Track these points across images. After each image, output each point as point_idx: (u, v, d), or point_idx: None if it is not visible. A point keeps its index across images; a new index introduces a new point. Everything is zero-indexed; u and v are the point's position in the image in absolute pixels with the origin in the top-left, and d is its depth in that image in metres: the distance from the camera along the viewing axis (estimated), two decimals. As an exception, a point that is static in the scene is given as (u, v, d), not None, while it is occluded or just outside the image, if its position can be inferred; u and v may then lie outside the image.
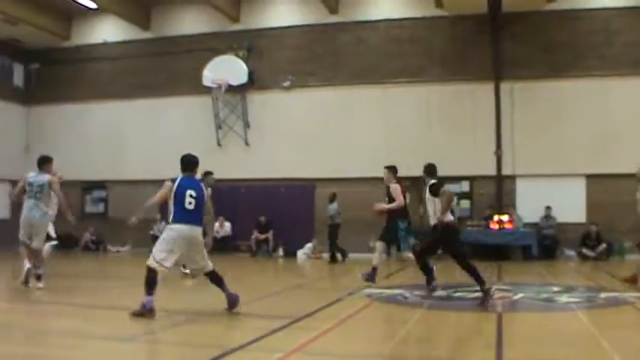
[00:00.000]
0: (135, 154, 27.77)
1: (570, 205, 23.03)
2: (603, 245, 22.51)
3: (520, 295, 12.51)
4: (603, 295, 12.60)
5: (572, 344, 8.02)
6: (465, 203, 24.39)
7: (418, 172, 24.08)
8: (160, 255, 9.70)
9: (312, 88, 25.77)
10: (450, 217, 11.60)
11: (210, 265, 10.19)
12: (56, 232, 15.25)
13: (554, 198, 23.25)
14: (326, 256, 23.61)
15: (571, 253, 23.07)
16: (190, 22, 27.82)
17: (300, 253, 24.44)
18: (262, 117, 26.24)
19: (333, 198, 23.11)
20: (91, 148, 28.68)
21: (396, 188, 14.15)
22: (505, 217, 22.92)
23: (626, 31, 23.45)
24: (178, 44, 27.73)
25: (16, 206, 29.50)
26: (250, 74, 25.96)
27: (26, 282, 13.15)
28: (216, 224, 25.59)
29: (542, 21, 23.71)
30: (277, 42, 26.53)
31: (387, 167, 14.87)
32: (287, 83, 25.98)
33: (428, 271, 12.34)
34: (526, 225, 23.26)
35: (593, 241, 22.69)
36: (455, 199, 23.78)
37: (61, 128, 29.50)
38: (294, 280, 17.57)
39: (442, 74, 24.41)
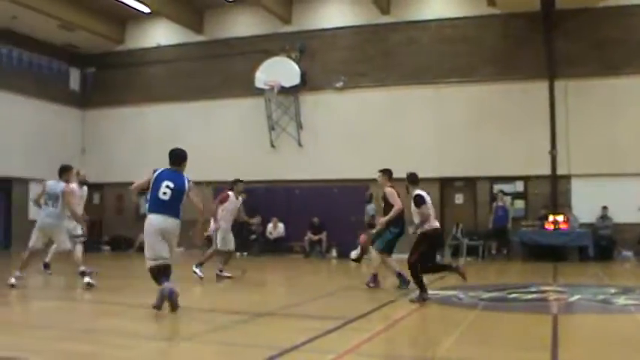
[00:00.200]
0: (189, 156, 27.85)
1: (627, 205, 22.58)
2: (661, 246, 22.16)
3: (576, 296, 12.34)
4: (662, 296, 12.38)
5: (630, 347, 7.89)
6: (520, 203, 24.12)
7: (472, 172, 24.20)
8: (148, 253, 9.90)
9: (364, 89, 25.72)
10: (436, 223, 12.16)
11: (169, 259, 10.06)
12: (83, 230, 15.40)
13: (610, 198, 22.85)
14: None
15: (628, 254, 22.64)
16: (243, 25, 27.97)
17: (353, 254, 24.34)
18: (315, 118, 26.28)
19: (370, 198, 23.09)
20: (147, 150, 28.94)
21: (392, 193, 13.80)
22: (560, 218, 22.61)
23: (682, 26, 23.05)
24: (231, 47, 27.89)
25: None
26: (303, 75, 26.02)
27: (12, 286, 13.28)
28: (270, 225, 25.77)
29: (595, 18, 23.32)
30: (329, 43, 26.54)
31: (382, 171, 14.48)
32: (339, 84, 25.98)
33: (421, 283, 11.96)
34: (582, 225, 22.91)
35: (651, 242, 22.34)
36: (509, 199, 23.67)
37: (115, 131, 29.90)
38: (347, 281, 17.55)
39: (494, 73, 24.17)
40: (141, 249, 25.04)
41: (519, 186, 24.21)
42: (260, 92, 26.38)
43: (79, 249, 14.88)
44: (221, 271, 15.51)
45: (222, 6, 27.93)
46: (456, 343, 7.94)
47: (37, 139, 28.05)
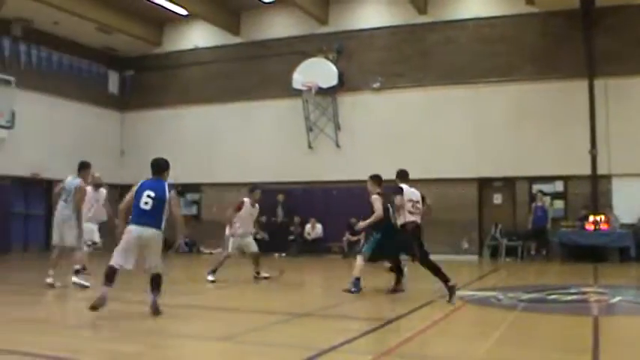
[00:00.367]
0: (227, 158, 28.13)
1: (670, 205, 22.37)
2: None
3: (617, 298, 12.20)
4: None
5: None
6: (559, 203, 23.87)
7: (511, 172, 24.03)
8: (116, 257, 9.89)
9: (401, 89, 25.64)
10: (410, 217, 12.50)
11: (158, 269, 10.11)
12: (101, 238, 15.59)
13: (652, 198, 22.62)
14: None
15: (670, 254, 22.36)
16: (279, 26, 28.03)
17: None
18: (352, 119, 26.25)
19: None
20: (184, 152, 29.13)
21: (375, 199, 13.66)
22: (601, 218, 22.36)
23: None
24: (268, 48, 27.97)
25: (113, 209, 30.42)
26: (340, 76, 26.00)
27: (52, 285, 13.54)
28: (308, 226, 25.80)
29: (635, 15, 22.95)
30: (366, 43, 26.50)
31: (371, 177, 14.38)
32: (376, 84, 25.93)
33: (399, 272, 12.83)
34: (623, 226, 22.61)
35: (694, 242, 22.01)
36: (548, 199, 23.46)
37: (154, 133, 30.11)
38: (387, 281, 17.51)
39: (533, 72, 23.96)
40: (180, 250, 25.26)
41: (559, 186, 23.98)
42: (297, 93, 26.43)
43: (84, 250, 14.87)
44: (258, 273, 15.50)
45: (259, 7, 28.01)
46: (495, 345, 7.89)
47: (77, 141, 28.32)
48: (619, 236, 22.15)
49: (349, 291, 12.89)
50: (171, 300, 12.52)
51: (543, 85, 23.71)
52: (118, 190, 31.05)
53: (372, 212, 13.54)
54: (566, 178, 23.81)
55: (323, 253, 25.17)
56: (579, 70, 23.11)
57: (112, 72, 31.09)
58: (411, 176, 24.88)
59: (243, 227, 15.33)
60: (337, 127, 26.38)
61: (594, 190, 23.24)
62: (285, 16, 27.79)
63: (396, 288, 13.13)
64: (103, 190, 16.14)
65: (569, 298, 11.59)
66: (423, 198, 13.06)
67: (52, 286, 13.37)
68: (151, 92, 30.56)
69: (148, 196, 9.79)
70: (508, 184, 24.76)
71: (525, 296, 12.24)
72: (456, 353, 7.65)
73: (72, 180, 13.97)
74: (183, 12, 27.49)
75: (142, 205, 9.74)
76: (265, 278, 15.47)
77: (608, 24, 23.13)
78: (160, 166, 10.40)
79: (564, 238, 22.48)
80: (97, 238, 15.85)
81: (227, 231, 15.59)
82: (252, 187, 16.07)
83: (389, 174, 25.04)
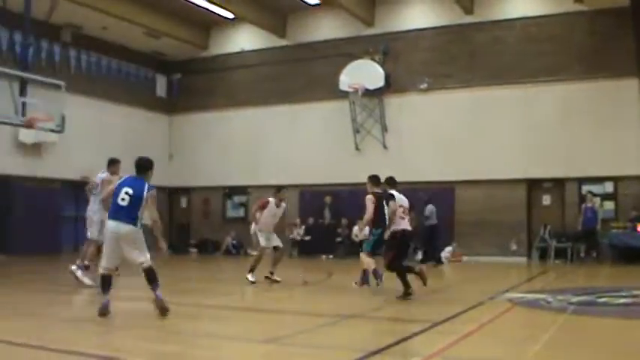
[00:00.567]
0: (274, 160, 28.23)
1: None
2: None
3: (669, 300, 12.00)
4: None
5: None
6: (609, 204, 23.54)
7: (560, 172, 23.74)
8: (102, 262, 9.95)
9: (448, 90, 25.51)
10: (400, 225, 12.48)
11: (147, 263, 10.08)
12: None
13: None
14: (466, 259, 23.44)
15: None
16: (326, 28, 28.06)
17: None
18: (400, 120, 26.18)
19: (429, 200, 22.95)
20: (231, 154, 29.37)
21: (367, 200, 13.63)
22: (653, 219, 22.02)
23: None
24: (314, 50, 28.02)
25: (161, 211, 30.57)
26: (387, 77, 25.93)
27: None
28: (355, 228, 25.70)
29: (688, 12, 22.66)
30: (413, 44, 26.41)
31: (369, 177, 14.28)
32: (424, 86, 25.83)
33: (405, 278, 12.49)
34: (675, 227, 22.28)
35: None
36: (598, 200, 23.13)
37: (201, 136, 30.36)
38: (435, 283, 17.42)
39: (581, 72, 23.67)
40: (227, 252, 25.43)
41: (609, 187, 23.66)
42: (344, 95, 26.42)
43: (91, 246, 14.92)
44: (272, 273, 15.45)
45: (305, 10, 28.06)
46: (543, 348, 7.79)
47: (126, 144, 28.56)
48: (671, 238, 21.76)
49: (361, 284, 13.50)
50: (216, 301, 12.61)
51: (592, 84, 23.42)
52: (166, 193, 31.50)
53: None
54: (616, 179, 23.49)
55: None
56: (629, 69, 22.76)
57: (159, 76, 31.42)
58: (460, 177, 24.91)
59: (266, 225, 15.28)
60: (384, 129, 26.33)
61: (645, 190, 22.90)
62: (331, 18, 27.82)
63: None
64: None
65: (620, 301, 11.42)
66: (411, 205, 13.28)
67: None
68: (198, 95, 30.80)
69: (126, 192, 9.87)
70: (557, 184, 24.50)
71: (575, 299, 12.07)
72: (504, 356, 7.57)
73: (100, 174, 14.41)
74: (230, 15, 27.68)
75: (119, 201, 9.85)
76: (275, 281, 15.31)
77: (659, 22, 22.76)
78: (142, 166, 10.40)
79: (615, 240, 22.17)
80: None
81: (252, 227, 15.56)
82: (278, 187, 16.05)
83: (437, 175, 25.15)
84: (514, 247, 24.04)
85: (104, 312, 9.74)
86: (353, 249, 25.57)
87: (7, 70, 18.22)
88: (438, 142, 25.22)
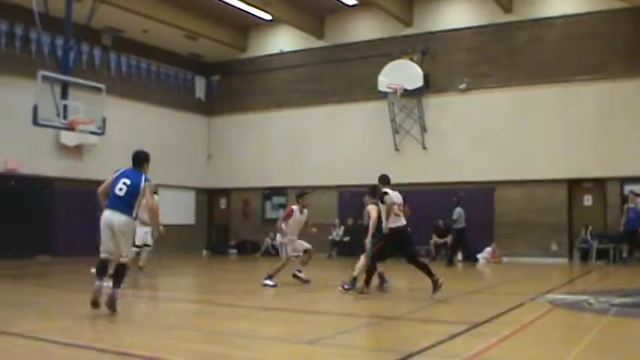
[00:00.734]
0: (313, 161, 28.26)
1: None
2: None
3: None
4: None
5: None
6: (653, 204, 23.24)
7: (601, 172, 23.48)
8: (102, 246, 10.10)
9: (488, 90, 25.33)
10: (397, 224, 12.63)
11: (126, 258, 10.21)
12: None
13: None
14: (506, 259, 23.33)
15: None
16: (364, 29, 28.03)
17: (479, 257, 24.10)
18: (439, 120, 26.06)
19: (458, 202, 22.85)
20: (270, 155, 29.46)
21: (372, 209, 13.88)
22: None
23: None
24: (353, 51, 28.02)
25: (201, 212, 30.80)
26: (425, 78, 25.84)
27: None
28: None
29: None
30: (451, 44, 26.28)
31: (369, 189, 14.57)
32: (463, 86, 25.69)
33: (379, 275, 13.43)
34: None
35: None
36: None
37: (240, 137, 30.51)
38: (474, 284, 17.35)
39: (624, 70, 23.35)
40: (267, 253, 25.50)
41: (653, 186, 23.35)
42: (383, 96, 26.37)
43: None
44: (299, 271, 15.47)
45: (343, 10, 28.06)
46: (584, 350, 7.71)
47: (165, 146, 28.90)
48: None
49: (344, 288, 13.30)
50: (255, 302, 12.65)
51: (634, 82, 23.11)
52: (205, 194, 31.70)
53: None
54: (659, 179, 23.17)
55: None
56: (674, 66, 22.45)
57: (198, 77, 31.62)
58: (501, 178, 24.71)
59: (291, 234, 15.24)
60: (423, 129, 26.23)
61: (691, 189, 22.56)
62: (369, 18, 27.78)
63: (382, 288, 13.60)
64: (156, 197, 16.54)
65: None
66: (404, 200, 13.45)
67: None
68: (237, 97, 30.95)
69: (124, 183, 10.13)
70: (599, 184, 24.22)
71: (617, 300, 11.93)
72: (543, 358, 7.51)
73: None
74: (268, 17, 27.76)
75: (117, 191, 10.08)
76: (305, 281, 15.32)
77: None
78: (139, 158, 10.64)
79: (658, 241, 21.90)
80: (149, 240, 16.75)
81: (278, 238, 15.51)
82: (300, 193, 15.93)
83: (476, 176, 25.02)
84: (555, 247, 23.82)
85: (96, 299, 9.90)
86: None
87: (49, 74, 18.45)
88: (477, 142, 25.07)
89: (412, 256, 13.00)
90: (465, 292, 14.28)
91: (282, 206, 29.38)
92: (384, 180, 13.53)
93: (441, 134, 25.87)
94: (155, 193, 16.56)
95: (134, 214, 10.16)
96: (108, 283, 10.12)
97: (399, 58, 26.35)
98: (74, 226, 23.78)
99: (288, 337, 8.89)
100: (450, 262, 22.83)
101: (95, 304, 9.88)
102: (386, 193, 12.86)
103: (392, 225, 12.58)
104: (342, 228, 26.76)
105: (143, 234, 16.45)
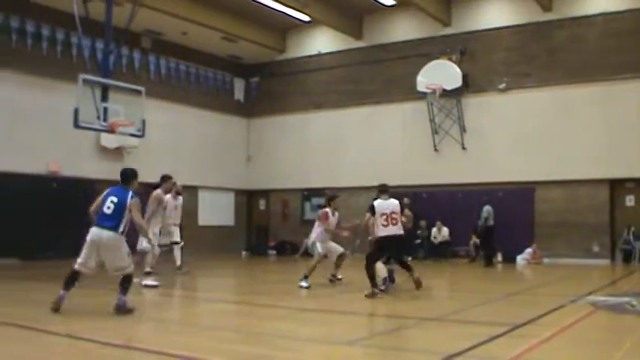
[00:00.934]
0: (352, 161, 28.24)
1: None
2: None
3: None
4: None
5: None
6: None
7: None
8: (79, 258, 10.36)
9: (527, 89, 25.09)
10: (382, 232, 13.06)
11: (126, 270, 10.46)
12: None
13: None
14: (547, 260, 23.12)
15: None
16: (402, 29, 27.94)
17: (519, 258, 23.92)
18: (478, 120, 25.89)
19: (487, 200, 22.73)
20: (309, 156, 29.50)
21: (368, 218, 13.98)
22: None
23: None
24: (391, 51, 27.96)
25: (240, 214, 30.93)
26: (464, 78, 25.69)
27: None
28: (434, 229, 25.58)
29: None
30: (490, 44, 26.09)
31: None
32: (502, 85, 25.50)
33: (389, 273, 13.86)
34: None
35: None
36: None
37: (279, 138, 30.60)
38: (515, 285, 17.23)
39: (667, 67, 23.07)
40: (306, 254, 25.56)
41: (702, 186, 23.00)
42: (422, 96, 26.25)
43: (156, 252, 15.66)
44: (334, 276, 15.60)
45: (381, 11, 27.99)
46: (627, 353, 7.62)
47: (204, 148, 29.12)
48: None
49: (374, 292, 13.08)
50: (294, 303, 12.67)
51: (681, 79, 22.79)
52: (245, 196, 31.83)
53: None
54: (703, 178, 22.82)
55: (450, 257, 24.89)
56: None
57: (237, 79, 31.76)
58: (541, 178, 24.46)
59: (324, 236, 15.36)
60: (463, 129, 26.08)
61: None
62: (407, 18, 27.69)
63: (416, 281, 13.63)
64: (181, 198, 17.65)
65: None
66: (402, 207, 14.01)
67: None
68: (275, 98, 31.05)
69: (112, 201, 10.43)
70: (641, 185, 23.91)
71: (661, 302, 11.78)
72: (585, 360, 7.45)
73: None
74: (306, 18, 27.78)
75: (105, 209, 10.40)
76: (339, 280, 15.52)
77: None
78: (126, 176, 10.94)
79: None
80: (177, 237, 17.27)
81: (312, 237, 15.57)
82: (331, 196, 16.12)
83: (516, 176, 24.88)
84: (596, 248, 23.55)
85: (57, 305, 10.21)
86: (432, 251, 25.49)
87: (89, 77, 18.62)
88: (517, 142, 24.87)
89: (400, 260, 13.87)
90: (505, 294, 14.19)
91: (321, 207, 29.39)
92: (380, 189, 13.91)
93: (481, 134, 25.70)
94: (179, 194, 16.95)
95: (121, 230, 10.39)
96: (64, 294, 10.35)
97: (437, 58, 26.23)
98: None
99: (326, 338, 8.90)
100: (489, 263, 22.73)
101: (56, 310, 10.21)
102: (372, 206, 13.40)
103: (381, 234, 13.08)
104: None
105: (168, 233, 16.72)
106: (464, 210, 25.26)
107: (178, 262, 17.36)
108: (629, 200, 24.04)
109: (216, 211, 30.15)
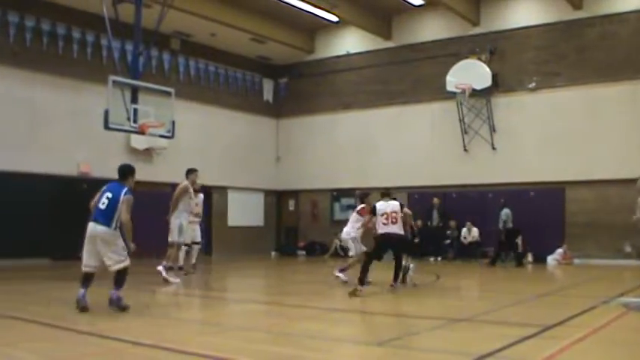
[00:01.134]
0: (381, 162, 28.18)
1: None
2: None
3: None
4: None
5: None
6: None
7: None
8: (83, 259, 10.66)
9: (558, 89, 24.90)
10: (381, 229, 13.94)
11: (122, 264, 10.62)
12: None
13: None
14: (577, 261, 22.94)
15: None
16: (431, 29, 27.84)
17: (550, 258, 23.76)
18: (508, 120, 25.73)
19: (504, 204, 22.62)
20: (339, 156, 29.48)
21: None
22: None
23: None
24: (420, 51, 27.88)
25: (270, 214, 30.96)
26: (494, 77, 25.55)
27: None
28: (464, 229, 25.45)
29: None
30: (519, 43, 25.91)
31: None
32: (532, 85, 25.33)
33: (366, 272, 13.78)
34: None
35: None
36: None
37: (308, 139, 30.62)
38: (545, 286, 17.11)
39: (700, 65, 22.79)
40: (335, 254, 25.51)
41: None
42: (451, 96, 26.15)
43: (182, 252, 16.67)
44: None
45: (409, 11, 27.92)
46: (662, 354, 7.56)
47: (234, 148, 29.20)
48: None
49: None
50: (323, 303, 12.67)
51: None
52: (274, 196, 31.88)
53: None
54: None
55: (480, 258, 24.75)
56: None
57: (266, 80, 31.81)
58: (571, 178, 24.18)
59: (359, 233, 15.51)
60: (492, 129, 25.93)
61: None
62: (435, 18, 27.59)
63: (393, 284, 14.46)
64: (201, 195, 17.90)
65: None
66: (402, 206, 14.70)
67: None
68: (304, 99, 31.08)
69: (107, 197, 10.68)
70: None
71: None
72: (618, 362, 7.38)
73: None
74: (335, 19, 27.77)
75: (100, 205, 10.65)
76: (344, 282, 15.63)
77: None
78: (122, 172, 11.27)
79: None
80: (198, 237, 17.61)
81: (351, 233, 15.63)
82: (364, 193, 16.52)
83: (546, 176, 24.71)
84: (628, 249, 23.27)
85: (82, 305, 10.45)
86: (462, 251, 25.38)
87: (119, 79, 18.74)
88: (547, 142, 24.69)
89: (397, 256, 14.48)
90: (536, 294, 14.09)
91: (351, 207, 29.37)
92: (383, 194, 14.89)
93: (511, 134, 25.55)
94: (197, 191, 17.08)
95: (114, 226, 10.56)
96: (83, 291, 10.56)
97: (466, 57, 26.11)
98: (144, 227, 23.96)
99: (357, 338, 8.89)
100: (520, 263, 22.65)
101: (84, 309, 10.46)
102: (374, 207, 14.36)
103: (381, 231, 13.93)
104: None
105: (191, 232, 16.91)
106: (494, 210, 25.07)
107: (194, 261, 17.60)
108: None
109: (246, 211, 30.22)
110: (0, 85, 21.98)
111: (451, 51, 26.60)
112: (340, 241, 27.46)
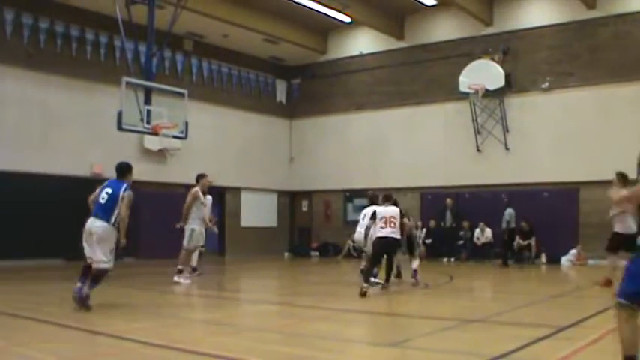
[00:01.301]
0: (394, 162, 28.15)
1: None
2: None
3: None
4: None
5: None
6: None
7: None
8: (85, 252, 10.80)
9: (571, 89, 24.80)
10: (379, 233, 14.01)
11: (104, 265, 10.68)
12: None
13: None
14: (591, 262, 22.85)
15: None
16: (443, 29, 27.79)
17: (564, 259, 23.68)
18: (521, 120, 25.65)
19: (509, 203, 22.56)
20: (351, 157, 29.46)
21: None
22: None
23: None
24: (433, 51, 27.83)
25: (283, 215, 30.95)
26: (507, 77, 25.46)
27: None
28: (477, 230, 25.39)
29: None
30: (533, 43, 25.83)
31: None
32: (545, 85, 25.24)
33: (372, 275, 14.23)
34: None
35: None
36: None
37: (321, 139, 30.62)
38: (559, 287, 17.05)
39: None
40: (349, 255, 25.49)
41: None
42: (463, 96, 26.08)
43: (196, 254, 16.92)
44: (375, 276, 15.75)
45: (422, 11, 27.88)
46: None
47: (247, 149, 29.23)
48: None
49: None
50: (336, 304, 12.65)
51: None
52: (287, 197, 31.89)
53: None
54: None
55: (493, 258, 24.66)
56: None
57: (279, 81, 31.83)
58: (585, 178, 24.11)
59: None
60: (505, 130, 25.85)
61: None
62: (448, 18, 27.54)
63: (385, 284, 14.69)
64: (209, 198, 17.41)
65: None
66: (402, 213, 14.72)
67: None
68: (317, 99, 31.08)
69: (106, 192, 10.88)
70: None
71: None
72: (633, 364, 7.31)
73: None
74: (348, 19, 27.75)
75: (100, 200, 10.85)
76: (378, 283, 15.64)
77: None
78: (121, 169, 11.42)
79: None
80: (201, 240, 17.21)
81: (370, 233, 15.67)
82: (376, 195, 16.46)
83: (560, 176, 24.60)
84: (643, 248, 23.17)
85: (80, 300, 10.56)
86: (475, 252, 25.31)
87: (133, 80, 18.81)
88: (560, 142, 24.59)
89: (389, 257, 14.65)
90: (550, 295, 14.04)
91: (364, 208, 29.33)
92: (384, 198, 15.01)
93: (524, 134, 25.46)
94: (205, 193, 17.05)
95: (113, 222, 10.74)
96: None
97: (479, 57, 26.04)
98: (158, 229, 24.13)
99: (369, 339, 8.88)
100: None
101: (86, 306, 10.58)
102: (374, 212, 14.42)
103: (378, 234, 14.00)
104: (424, 230, 26.48)
105: (201, 234, 16.81)
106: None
107: (194, 264, 17.62)
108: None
109: (259, 212, 30.25)
110: (14, 87, 22.10)
111: (464, 51, 26.54)
112: (354, 242, 27.47)
